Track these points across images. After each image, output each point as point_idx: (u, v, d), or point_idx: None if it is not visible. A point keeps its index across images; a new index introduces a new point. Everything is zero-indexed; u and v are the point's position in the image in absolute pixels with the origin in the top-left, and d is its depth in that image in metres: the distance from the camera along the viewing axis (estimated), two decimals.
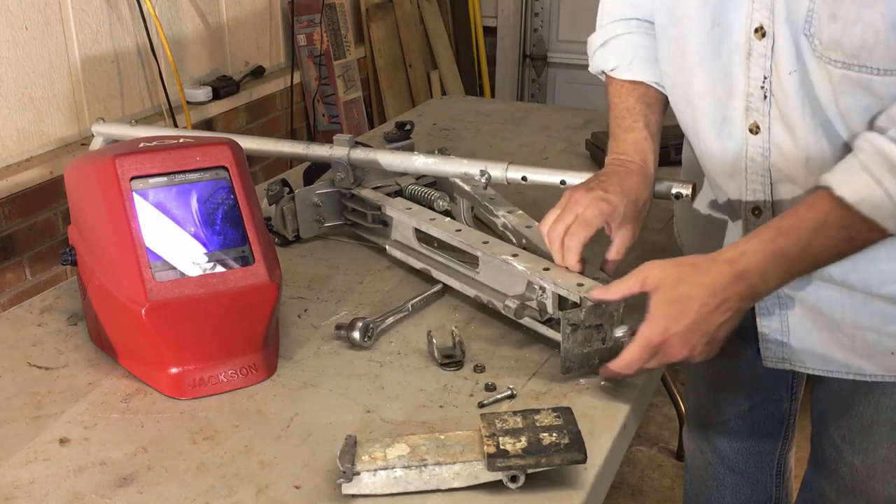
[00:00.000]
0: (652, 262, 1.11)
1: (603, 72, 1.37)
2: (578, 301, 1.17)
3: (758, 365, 1.34)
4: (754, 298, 1.09)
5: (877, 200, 1.01)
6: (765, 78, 1.13)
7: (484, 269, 1.33)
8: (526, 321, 1.25)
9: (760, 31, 1.11)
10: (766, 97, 1.14)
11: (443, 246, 1.42)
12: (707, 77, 1.19)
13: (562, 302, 1.22)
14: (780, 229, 1.07)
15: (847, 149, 1.09)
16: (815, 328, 1.25)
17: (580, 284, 1.19)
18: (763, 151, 1.17)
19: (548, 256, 1.26)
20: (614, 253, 1.23)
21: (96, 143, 1.76)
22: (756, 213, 1.24)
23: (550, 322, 1.23)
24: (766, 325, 1.29)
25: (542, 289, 1.22)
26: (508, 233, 1.45)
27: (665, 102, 1.32)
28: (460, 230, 1.39)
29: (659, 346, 1.07)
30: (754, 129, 1.17)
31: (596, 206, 1.19)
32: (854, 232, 1.05)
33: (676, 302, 1.07)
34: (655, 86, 1.31)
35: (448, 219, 1.45)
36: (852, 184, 1.03)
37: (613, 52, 1.34)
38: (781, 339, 1.29)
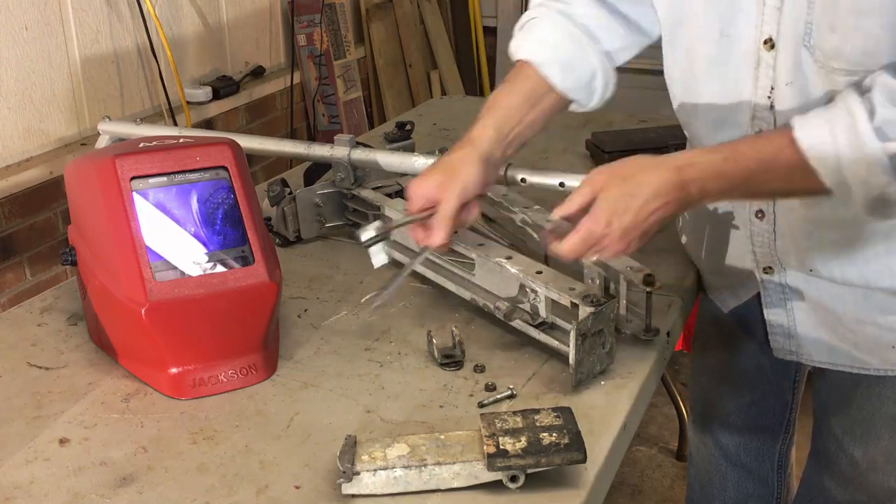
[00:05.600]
0: (599, 167, 1.13)
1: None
2: (569, 305, 1.18)
3: (761, 359, 1.35)
4: (688, 207, 1.12)
5: (825, 153, 1.03)
6: (771, 88, 1.15)
7: (480, 272, 1.33)
8: (517, 324, 1.25)
9: (769, 43, 1.13)
10: (771, 106, 1.16)
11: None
12: (715, 84, 1.22)
13: (554, 306, 1.22)
14: (734, 152, 1.09)
15: None
16: (819, 323, 1.27)
17: (572, 288, 1.19)
18: None
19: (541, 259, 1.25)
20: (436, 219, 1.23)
21: (102, 141, 1.76)
22: (759, 216, 1.25)
23: (543, 326, 1.23)
24: (774, 318, 1.31)
25: (535, 291, 1.23)
26: (529, 228, 1.44)
27: (547, 87, 1.35)
28: (456, 232, 1.38)
29: (599, 239, 1.09)
30: None
31: (415, 188, 1.23)
32: (796, 176, 1.06)
33: (621, 198, 1.08)
34: (539, 66, 1.33)
35: None
36: (811, 130, 1.05)
37: (521, 34, 1.39)
38: (789, 331, 1.31)
